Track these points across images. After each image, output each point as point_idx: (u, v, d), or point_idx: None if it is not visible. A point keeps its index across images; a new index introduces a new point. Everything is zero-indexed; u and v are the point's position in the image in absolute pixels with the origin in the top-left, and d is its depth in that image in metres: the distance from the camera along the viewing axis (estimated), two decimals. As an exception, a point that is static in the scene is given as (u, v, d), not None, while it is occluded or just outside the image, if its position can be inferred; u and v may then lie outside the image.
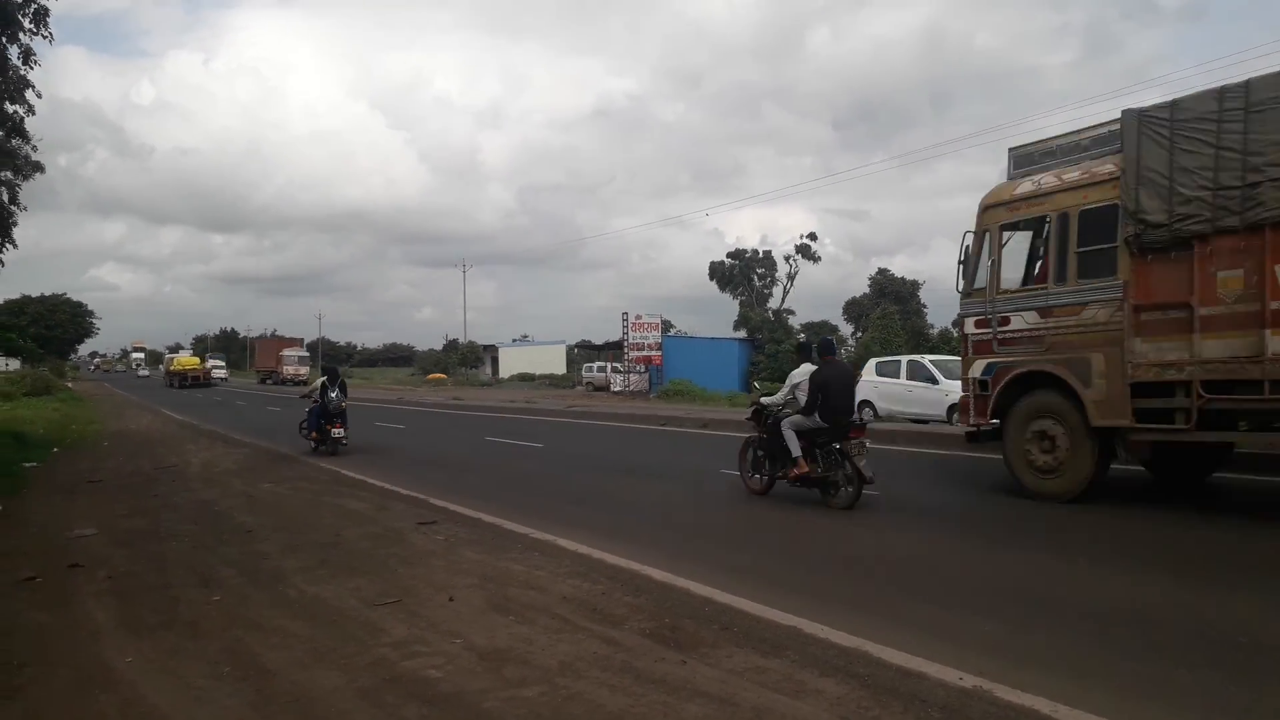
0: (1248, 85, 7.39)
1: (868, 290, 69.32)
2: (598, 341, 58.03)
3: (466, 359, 79.44)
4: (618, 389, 40.56)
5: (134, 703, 3.99)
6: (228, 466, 13.52)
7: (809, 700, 3.76)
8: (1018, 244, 9.84)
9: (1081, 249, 8.69)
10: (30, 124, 15.52)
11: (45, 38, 14.05)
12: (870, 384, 18.80)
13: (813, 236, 67.91)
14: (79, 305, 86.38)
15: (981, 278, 9.76)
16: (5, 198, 16.54)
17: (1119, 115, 8.42)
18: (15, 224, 16.82)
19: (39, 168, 17.26)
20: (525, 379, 62.28)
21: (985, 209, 9.80)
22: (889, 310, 55.29)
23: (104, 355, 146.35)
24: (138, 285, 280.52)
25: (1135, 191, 8.02)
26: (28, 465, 13.33)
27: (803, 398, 9.15)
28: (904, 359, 19.79)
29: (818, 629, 4.69)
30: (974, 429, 9.78)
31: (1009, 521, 8.33)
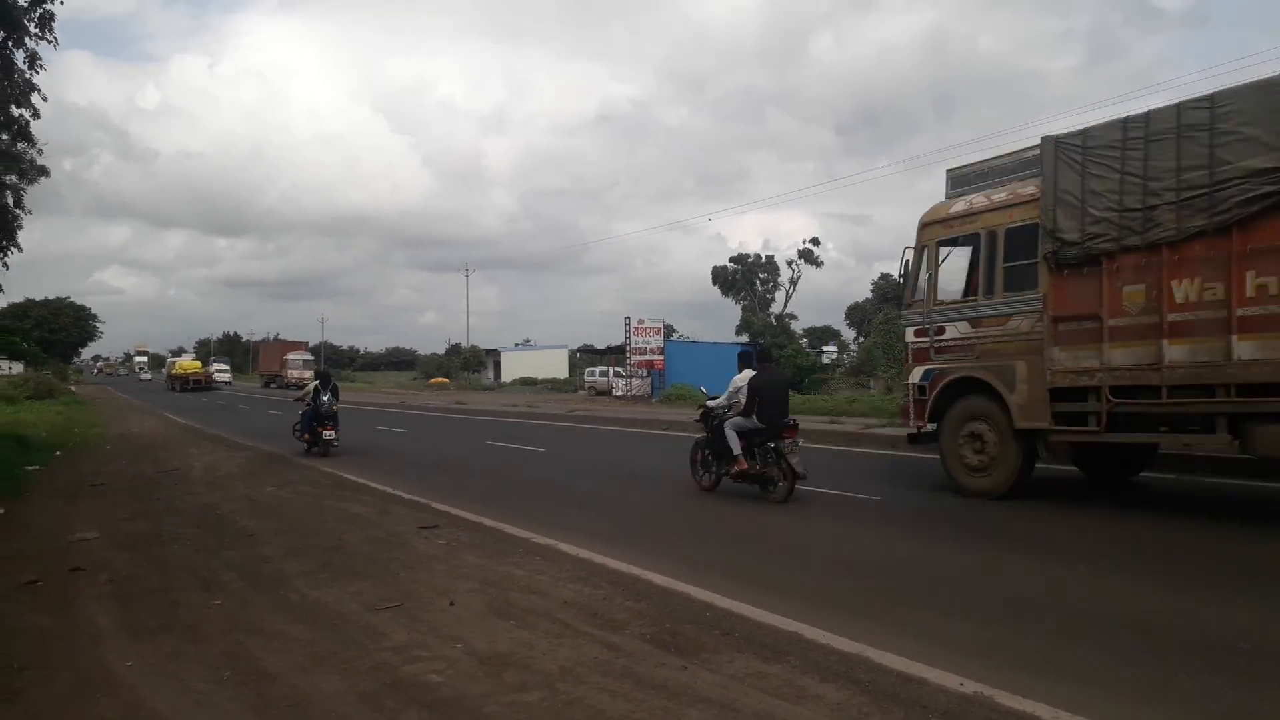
0: (1148, 117, 8.02)
1: (870, 295, 69.39)
2: (600, 346, 58.20)
3: (469, 363, 79.55)
4: (620, 393, 40.56)
5: (134, 706, 3.99)
6: (230, 470, 13.52)
7: (810, 706, 3.76)
8: (954, 259, 10.48)
9: (1007, 264, 9.38)
10: (35, 128, 15.55)
11: (50, 42, 14.08)
12: None
13: (815, 241, 68.01)
14: (82, 309, 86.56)
15: (921, 290, 10.48)
16: (10, 201, 16.53)
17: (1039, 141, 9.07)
18: (20, 228, 16.82)
19: (44, 172, 17.24)
20: (527, 383, 62.35)
21: (924, 226, 10.48)
22: (891, 315, 55.25)
23: (107, 359, 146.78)
24: (141, 289, 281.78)
25: (1053, 212, 8.67)
26: (30, 468, 13.34)
27: (744, 400, 9.88)
28: None
29: (819, 634, 4.69)
30: (914, 431, 10.41)
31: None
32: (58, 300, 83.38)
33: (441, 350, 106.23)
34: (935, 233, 10.32)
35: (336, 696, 4.02)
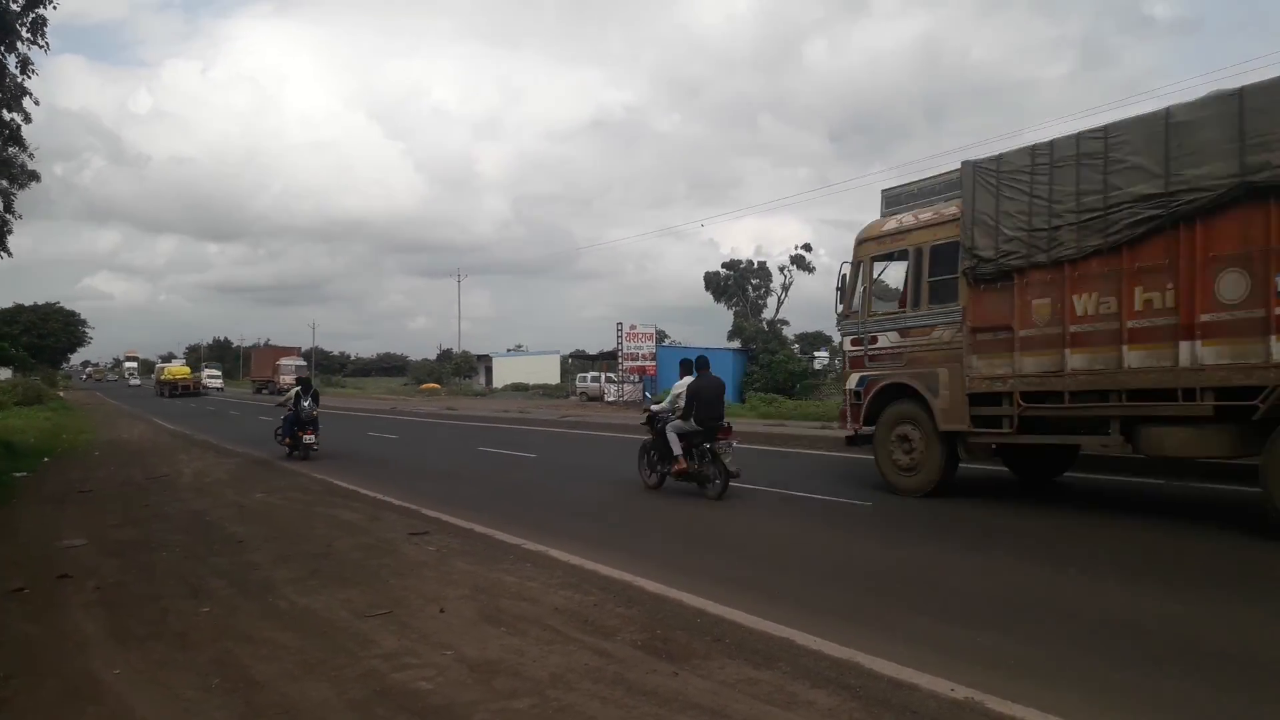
0: (1052, 144, 8.72)
1: (862, 301, 69.26)
2: (592, 351, 58.08)
3: (460, 369, 79.41)
4: (612, 399, 40.58)
5: (122, 715, 3.96)
6: (219, 476, 13.46)
7: (800, 712, 3.76)
8: (889, 273, 11.26)
9: (932, 279, 10.13)
10: (27, 132, 15.48)
11: (42, 47, 14.05)
12: None
13: (807, 247, 67.84)
14: (72, 314, 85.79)
15: (857, 302, 11.26)
16: (1, 206, 16.46)
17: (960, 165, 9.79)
18: (10, 232, 16.74)
19: (35, 176, 17.14)
20: (519, 389, 62.32)
21: (860, 242, 11.28)
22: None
23: (96, 364, 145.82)
24: (132, 294, 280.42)
25: (971, 231, 9.38)
26: (18, 475, 13.25)
27: (683, 405, 10.69)
28: None
29: (810, 640, 4.68)
30: (851, 434, 11.19)
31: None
32: (47, 305, 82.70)
33: (433, 356, 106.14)
34: (870, 249, 11.08)
35: (325, 704, 4.00)
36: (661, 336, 50.78)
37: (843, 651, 4.48)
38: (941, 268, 9.98)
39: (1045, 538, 8.04)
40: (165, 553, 7.59)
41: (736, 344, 56.03)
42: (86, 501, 10.81)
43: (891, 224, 10.82)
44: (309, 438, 16.21)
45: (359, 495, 10.97)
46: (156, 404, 48.03)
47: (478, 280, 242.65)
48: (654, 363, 39.65)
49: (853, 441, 11.29)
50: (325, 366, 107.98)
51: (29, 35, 13.78)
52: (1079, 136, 8.50)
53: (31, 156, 16.67)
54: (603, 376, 47.93)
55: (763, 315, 67.93)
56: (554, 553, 7.12)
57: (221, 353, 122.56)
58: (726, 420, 10.67)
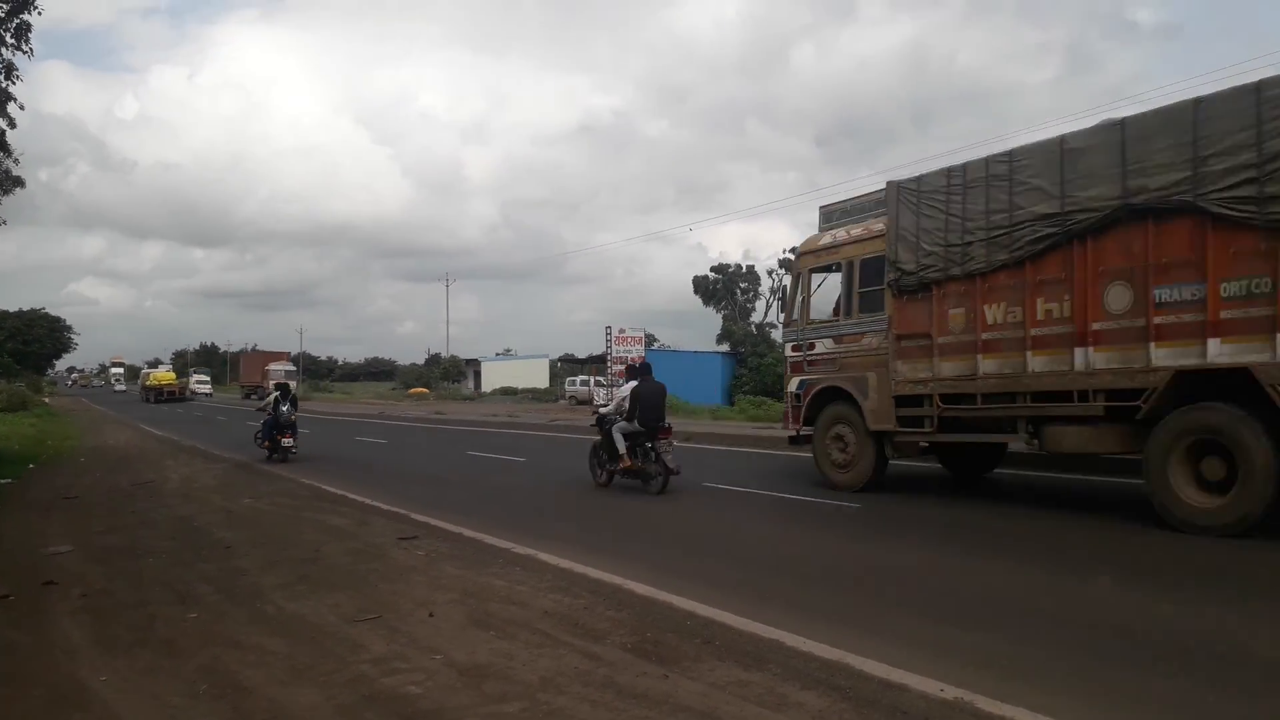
0: (965, 167, 9.42)
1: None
2: (581, 355, 57.94)
3: (449, 373, 79.23)
4: (601, 402, 40.49)
5: (108, 722, 3.93)
6: (207, 482, 13.38)
7: (791, 713, 3.76)
8: (828, 284, 11.87)
9: (862, 290, 10.86)
10: (11, 137, 15.42)
11: (27, 53, 13.99)
12: None
13: (795, 251, 68.24)
14: (57, 320, 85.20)
15: (797, 311, 11.96)
16: (-15, 212, 16.37)
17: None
18: (-6, 237, 16.66)
19: (19, 182, 17.02)
20: (508, 393, 62.14)
21: (799, 255, 12.20)
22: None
23: (82, 370, 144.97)
24: (117, 300, 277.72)
25: (895, 246, 10.09)
26: (2, 482, 13.13)
27: (627, 407, 11.40)
28: None
29: (799, 641, 4.69)
30: (794, 434, 11.87)
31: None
32: (32, 311, 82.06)
33: (421, 360, 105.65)
34: (808, 261, 11.85)
35: (314, 709, 3.98)
36: (651, 340, 50.82)
37: (832, 653, 4.48)
38: (870, 279, 10.68)
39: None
40: (152, 559, 7.54)
41: (725, 347, 56.03)
42: (72, 508, 10.72)
43: (826, 238, 11.59)
44: (287, 441, 16.76)
45: (347, 500, 10.93)
46: (142, 410, 47.71)
47: (466, 285, 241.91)
48: (643, 366, 39.58)
49: (795, 441, 11.98)
50: (313, 371, 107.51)
51: (13, 41, 13.75)
52: (988, 160, 9.22)
53: (16, 162, 16.59)
54: (592, 380, 47.86)
55: (751, 319, 68.11)
56: (543, 556, 7.10)
57: (209, 358, 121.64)
58: (667, 421, 11.43)
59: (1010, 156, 9.00)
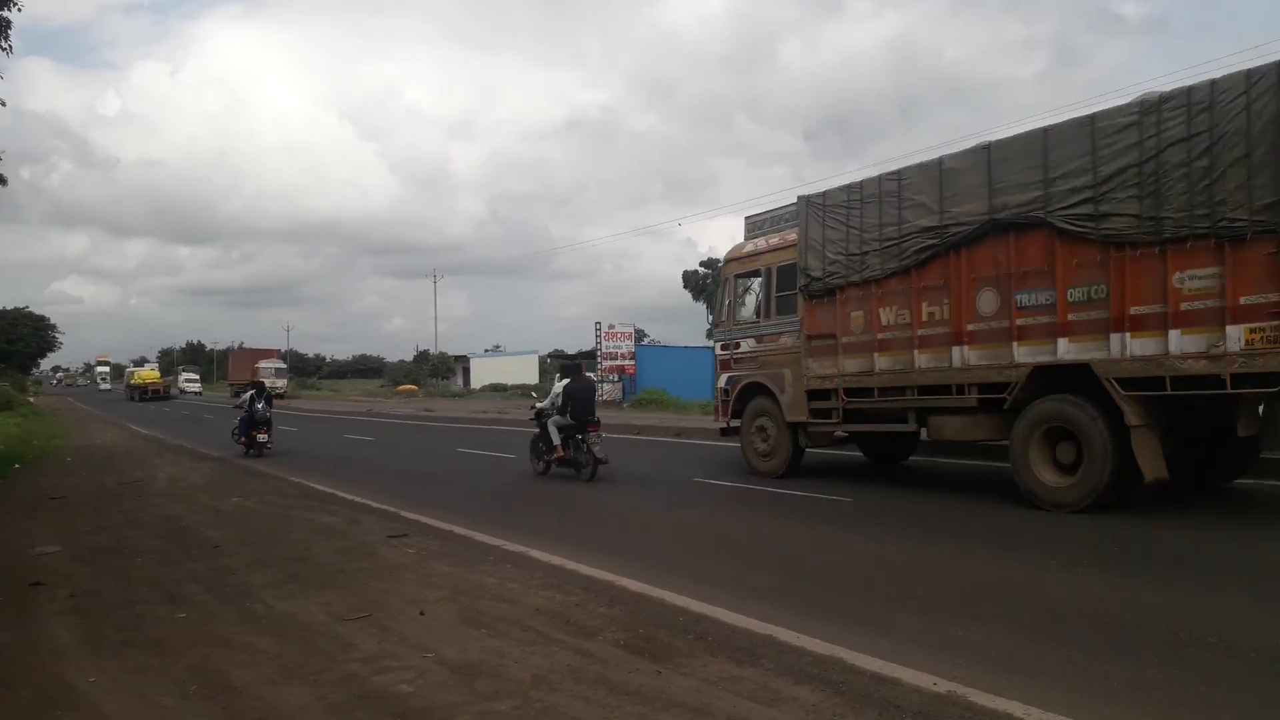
0: (862, 184, 10.35)
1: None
2: (571, 351, 57.93)
3: (437, 370, 78.95)
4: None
5: (97, 724, 3.90)
6: (194, 481, 13.31)
7: (784, 708, 3.76)
8: (753, 288, 12.77)
9: (779, 294, 11.82)
10: (-8, 136, 15.28)
11: (5, 50, 13.84)
12: None
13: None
14: (41, 319, 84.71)
15: (725, 313, 12.95)
16: (-35, 211, 16.21)
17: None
18: (-25, 236, 16.49)
19: (1, 180, 16.89)
20: (497, 389, 61.93)
21: (726, 262, 13.37)
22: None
23: (67, 369, 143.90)
24: (102, 298, 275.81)
25: (805, 254, 10.97)
26: (-13, 482, 13.03)
27: (560, 403, 12.35)
28: None
29: (792, 636, 4.69)
30: (724, 425, 12.84)
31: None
32: (15, 310, 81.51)
33: (409, 357, 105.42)
34: (734, 268, 12.92)
35: (305, 709, 3.96)
36: (640, 336, 50.77)
37: (825, 648, 4.49)
38: (786, 285, 11.63)
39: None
40: (140, 559, 7.49)
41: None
42: (59, 508, 10.65)
43: (749, 247, 12.68)
44: (262, 436, 17.62)
45: (337, 498, 10.88)
46: (129, 409, 47.39)
47: (454, 281, 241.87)
48: (633, 362, 39.62)
49: (725, 432, 12.98)
50: (301, 369, 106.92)
51: (-9, 39, 13.57)
52: (880, 178, 10.14)
53: (-2, 160, 16.39)
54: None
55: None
56: (534, 553, 7.09)
57: (195, 356, 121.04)
58: (596, 416, 12.42)
59: (899, 175, 9.91)
